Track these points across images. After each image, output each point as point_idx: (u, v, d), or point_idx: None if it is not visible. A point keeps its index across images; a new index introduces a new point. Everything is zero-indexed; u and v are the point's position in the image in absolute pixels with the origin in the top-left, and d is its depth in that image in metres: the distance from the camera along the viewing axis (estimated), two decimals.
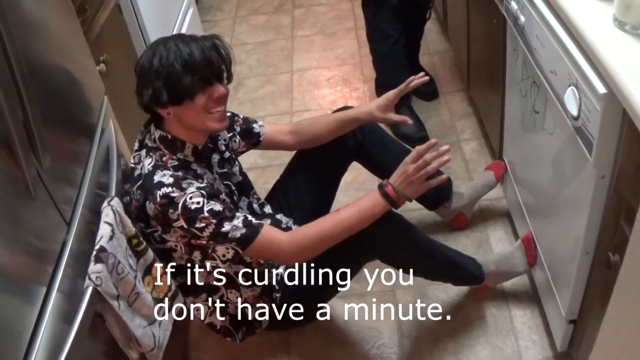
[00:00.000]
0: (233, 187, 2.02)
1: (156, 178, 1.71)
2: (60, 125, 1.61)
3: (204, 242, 1.75)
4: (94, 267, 1.43)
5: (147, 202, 1.71)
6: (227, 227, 1.72)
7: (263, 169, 3.07)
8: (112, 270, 1.48)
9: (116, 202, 1.61)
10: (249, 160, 3.12)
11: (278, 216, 2.21)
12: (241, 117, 2.14)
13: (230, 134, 2.10)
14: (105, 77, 2.19)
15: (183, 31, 3.71)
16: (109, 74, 2.30)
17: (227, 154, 2.05)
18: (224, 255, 1.85)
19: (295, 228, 2.18)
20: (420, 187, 1.80)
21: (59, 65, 1.69)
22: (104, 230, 1.52)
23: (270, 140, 2.18)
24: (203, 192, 1.71)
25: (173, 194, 1.68)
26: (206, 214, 1.69)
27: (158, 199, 1.68)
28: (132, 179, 1.79)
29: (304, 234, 1.82)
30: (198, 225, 1.70)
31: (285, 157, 2.44)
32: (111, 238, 1.51)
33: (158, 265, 1.74)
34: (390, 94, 2.14)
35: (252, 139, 2.14)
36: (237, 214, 1.77)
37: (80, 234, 1.51)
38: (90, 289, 1.40)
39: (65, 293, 1.40)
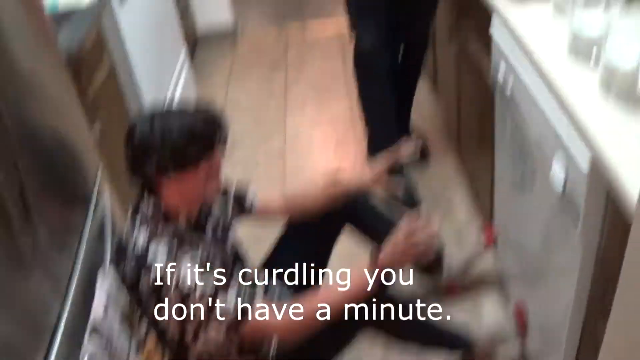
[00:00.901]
0: (228, 253, 2.03)
1: (150, 254, 1.70)
2: (56, 196, 1.63)
3: (197, 320, 1.73)
4: (88, 343, 1.44)
5: (142, 277, 1.69)
6: (220, 305, 1.71)
7: (257, 238, 3.07)
8: (105, 346, 1.48)
9: (111, 274, 1.62)
10: (242, 229, 3.12)
11: (269, 284, 2.21)
12: (234, 184, 2.15)
13: (225, 199, 2.11)
14: (101, 142, 2.21)
15: (177, 92, 3.77)
16: (103, 138, 2.32)
17: (220, 220, 2.06)
18: (216, 336, 1.80)
19: (288, 298, 2.19)
20: (412, 258, 1.84)
21: (55, 136, 1.71)
22: (98, 303, 1.52)
23: (264, 210, 2.20)
24: (197, 269, 1.70)
25: (168, 270, 1.67)
26: (200, 292, 1.69)
27: (152, 274, 1.67)
28: (126, 252, 1.76)
29: (301, 310, 1.80)
30: (191, 303, 1.69)
31: (278, 221, 2.44)
32: (105, 312, 1.52)
33: (151, 339, 1.74)
34: (380, 165, 2.20)
35: (242, 206, 2.15)
36: (231, 291, 1.75)
37: (75, 306, 1.52)
38: None
39: None
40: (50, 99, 1.72)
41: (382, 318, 1.97)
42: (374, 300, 1.90)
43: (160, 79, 3.52)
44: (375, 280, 1.82)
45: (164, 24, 3.89)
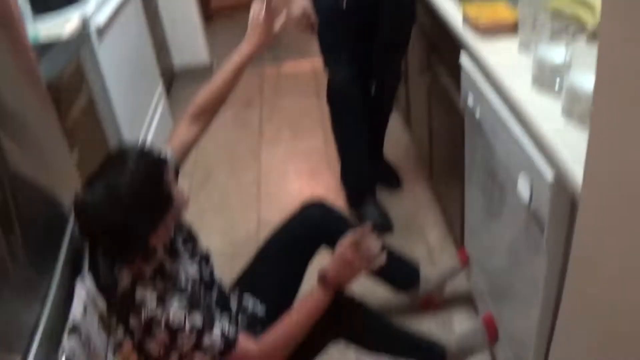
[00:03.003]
0: (202, 267, 2.06)
1: (138, 295, 1.72)
2: (36, 205, 1.64)
3: (183, 353, 1.77)
4: (67, 342, 1.46)
5: (131, 318, 1.72)
6: (206, 342, 1.75)
7: (231, 257, 3.09)
8: (84, 345, 1.51)
9: (89, 280, 1.64)
10: (217, 248, 3.15)
11: (244, 298, 2.25)
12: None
13: None
14: (79, 168, 2.23)
15: (154, 125, 3.81)
16: (81, 165, 2.34)
17: (184, 233, 2.07)
18: None
19: (261, 315, 2.23)
20: (360, 271, 1.91)
21: (37, 156, 1.74)
22: (76, 306, 1.55)
23: (184, 150, 2.05)
24: (185, 307, 1.73)
25: (157, 316, 1.70)
26: (187, 332, 1.72)
27: (142, 317, 1.71)
28: (105, 285, 1.77)
29: (271, 342, 1.87)
30: (179, 341, 1.73)
31: (252, 246, 2.47)
32: (84, 314, 1.54)
33: (129, 345, 1.76)
34: (263, 15, 2.09)
35: (169, 162, 1.95)
36: (216, 323, 1.79)
37: (54, 310, 1.53)
38: None
39: None
40: (33, 124, 1.75)
41: (352, 329, 2.02)
42: (334, 308, 1.95)
43: (138, 110, 3.57)
44: (328, 294, 1.89)
45: (141, 59, 3.95)
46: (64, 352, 1.44)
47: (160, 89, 4.25)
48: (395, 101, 3.46)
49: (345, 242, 1.88)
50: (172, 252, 1.90)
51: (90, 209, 1.63)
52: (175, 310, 1.72)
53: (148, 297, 1.72)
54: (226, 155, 4.08)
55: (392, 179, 3.51)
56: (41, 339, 1.44)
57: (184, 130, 2.07)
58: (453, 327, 2.61)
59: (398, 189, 3.51)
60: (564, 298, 1.27)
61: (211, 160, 4.01)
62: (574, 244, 1.23)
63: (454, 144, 2.55)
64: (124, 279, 1.75)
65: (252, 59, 2.11)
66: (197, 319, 1.75)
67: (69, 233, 1.78)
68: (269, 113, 4.56)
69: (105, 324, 1.67)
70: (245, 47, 2.10)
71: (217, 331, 1.78)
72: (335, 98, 3.14)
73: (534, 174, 1.57)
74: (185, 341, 1.73)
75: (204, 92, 2.10)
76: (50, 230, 1.72)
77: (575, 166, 1.37)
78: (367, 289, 2.65)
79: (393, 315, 2.62)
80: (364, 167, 3.21)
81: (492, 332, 2.25)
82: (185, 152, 2.05)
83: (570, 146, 1.44)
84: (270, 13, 2.09)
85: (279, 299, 2.03)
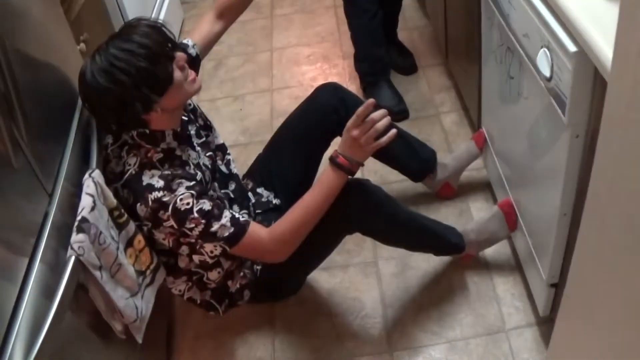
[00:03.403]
0: (216, 157, 2.03)
1: (145, 180, 1.71)
2: (42, 100, 1.61)
3: (193, 240, 1.76)
4: (76, 237, 1.44)
5: (138, 205, 1.71)
6: (215, 226, 1.74)
7: (245, 146, 3.08)
8: (94, 241, 1.49)
9: (97, 174, 1.61)
10: (231, 138, 3.14)
11: (259, 190, 2.22)
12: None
13: None
14: (86, 56, 2.19)
15: (163, 11, 3.72)
16: (89, 52, 2.30)
17: (200, 121, 2.06)
18: (211, 252, 1.84)
19: (276, 202, 2.20)
20: (370, 148, 1.82)
21: (39, 45, 1.68)
22: (85, 201, 1.52)
23: (207, 43, 2.10)
24: (193, 192, 1.71)
25: (164, 198, 1.69)
26: (196, 215, 1.71)
27: (150, 202, 1.69)
28: (113, 173, 1.78)
29: (282, 229, 1.83)
30: (188, 225, 1.71)
31: (267, 135, 2.43)
32: (93, 209, 1.52)
33: (140, 238, 1.75)
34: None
35: (195, 63, 2.05)
36: (225, 212, 1.78)
37: (62, 205, 1.52)
38: (72, 259, 1.41)
39: (48, 264, 1.41)
40: (36, 13, 1.70)
41: (364, 215, 1.99)
42: (356, 200, 1.93)
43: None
44: (340, 177, 1.83)
45: None
46: (73, 249, 1.42)
47: None
48: None
49: (350, 120, 1.81)
50: (182, 139, 1.88)
51: (88, 74, 1.67)
52: (183, 192, 1.70)
53: (155, 180, 1.71)
54: (237, 42, 3.98)
55: (406, 63, 3.41)
56: (49, 235, 1.43)
57: (208, 26, 2.10)
58: (471, 215, 2.58)
59: (413, 74, 3.41)
60: (592, 181, 1.21)
61: (222, 47, 3.92)
62: (603, 121, 1.16)
63: (470, 23, 2.45)
64: (132, 164, 1.74)
65: None
66: (206, 204, 1.73)
67: (76, 125, 1.75)
68: None
69: (115, 219, 1.65)
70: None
71: (227, 215, 1.77)
72: None
73: (555, 50, 1.49)
74: (194, 226, 1.72)
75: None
76: (57, 122, 1.70)
77: (598, 38, 1.29)
78: (383, 178, 2.63)
79: (410, 205, 2.57)
80: (378, 50, 3.12)
81: (511, 218, 2.21)
82: (207, 46, 2.09)
83: (592, 17, 1.35)
84: None
85: (294, 189, 1.99)
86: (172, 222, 1.71)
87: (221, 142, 2.15)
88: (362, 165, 1.86)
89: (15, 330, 1.26)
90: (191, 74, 1.80)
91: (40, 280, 1.37)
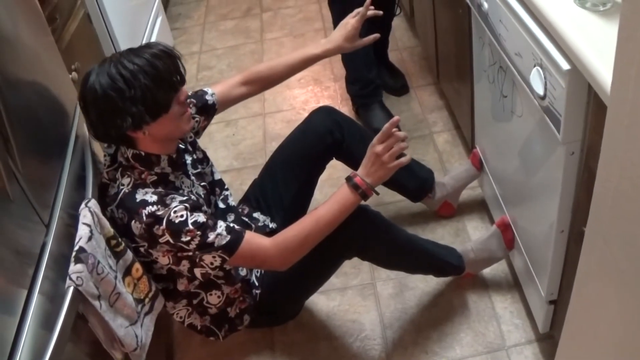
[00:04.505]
0: (214, 193, 2.04)
1: (138, 197, 1.71)
2: (35, 129, 1.61)
3: (191, 253, 1.75)
4: (74, 268, 1.44)
5: (133, 222, 1.71)
6: (211, 236, 1.73)
7: (238, 171, 3.08)
8: (92, 270, 1.48)
9: (93, 204, 1.61)
10: (224, 163, 3.14)
11: (255, 214, 2.22)
12: (190, 95, 2.05)
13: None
14: (78, 85, 2.19)
15: (153, 37, 3.73)
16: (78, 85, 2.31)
17: (199, 153, 2.06)
18: (212, 263, 1.82)
19: (273, 226, 2.20)
20: (392, 166, 1.81)
21: (31, 74, 1.69)
22: (82, 231, 1.52)
23: (225, 100, 2.15)
24: (186, 204, 1.71)
25: (158, 212, 1.69)
26: (191, 227, 1.70)
27: (144, 217, 1.69)
28: (108, 196, 1.78)
29: (287, 237, 1.82)
30: (184, 238, 1.70)
31: (260, 159, 2.43)
32: (90, 239, 1.51)
33: (138, 266, 1.74)
34: (354, 21, 2.20)
35: (209, 111, 2.12)
36: (219, 222, 1.77)
37: (59, 236, 1.51)
38: (71, 290, 1.41)
39: (47, 295, 1.40)
40: (27, 42, 1.70)
41: (365, 240, 1.98)
42: (357, 224, 1.92)
43: (135, 26, 3.47)
44: (354, 197, 1.83)
45: None
46: (71, 279, 1.41)
47: (157, 3, 4.12)
48: (398, 5, 3.34)
49: (376, 137, 1.81)
50: (178, 165, 1.88)
51: (93, 75, 1.69)
52: (177, 205, 1.71)
53: (149, 196, 1.72)
54: (227, 67, 3.99)
55: (398, 84, 3.42)
56: (47, 266, 1.42)
57: (231, 87, 2.17)
58: (468, 234, 2.58)
59: (405, 94, 3.42)
60: (594, 198, 1.21)
61: (213, 72, 3.94)
62: (604, 142, 1.16)
63: (460, 42, 2.47)
64: (125, 184, 1.75)
65: (325, 57, 2.25)
66: (201, 216, 1.73)
67: (71, 154, 1.76)
68: (270, 22, 4.44)
69: (113, 248, 1.65)
70: (324, 44, 2.22)
71: (221, 225, 1.77)
72: (338, 1, 3.03)
73: (548, 68, 1.50)
74: (190, 239, 1.71)
75: (266, 65, 2.22)
76: (51, 151, 1.70)
77: (591, 55, 1.30)
78: (378, 200, 2.62)
79: (406, 225, 2.57)
80: (369, 72, 3.13)
81: (508, 237, 2.21)
82: (222, 103, 2.14)
83: (584, 35, 1.36)
84: (362, 23, 2.18)
85: (291, 213, 1.99)
86: (167, 237, 1.70)
87: (219, 177, 2.16)
88: (378, 193, 1.86)
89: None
90: (188, 113, 1.82)
91: (40, 311, 1.35)
